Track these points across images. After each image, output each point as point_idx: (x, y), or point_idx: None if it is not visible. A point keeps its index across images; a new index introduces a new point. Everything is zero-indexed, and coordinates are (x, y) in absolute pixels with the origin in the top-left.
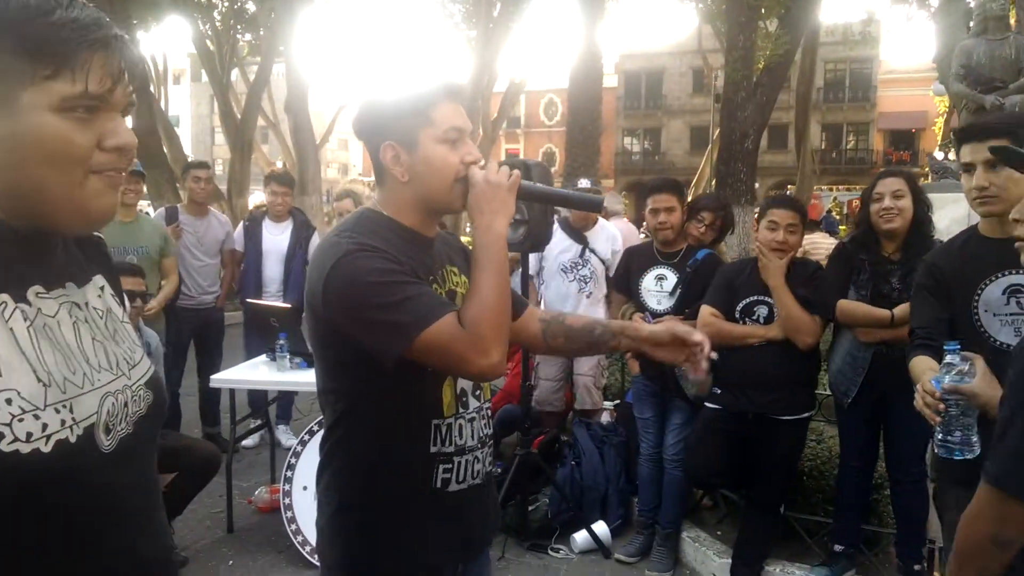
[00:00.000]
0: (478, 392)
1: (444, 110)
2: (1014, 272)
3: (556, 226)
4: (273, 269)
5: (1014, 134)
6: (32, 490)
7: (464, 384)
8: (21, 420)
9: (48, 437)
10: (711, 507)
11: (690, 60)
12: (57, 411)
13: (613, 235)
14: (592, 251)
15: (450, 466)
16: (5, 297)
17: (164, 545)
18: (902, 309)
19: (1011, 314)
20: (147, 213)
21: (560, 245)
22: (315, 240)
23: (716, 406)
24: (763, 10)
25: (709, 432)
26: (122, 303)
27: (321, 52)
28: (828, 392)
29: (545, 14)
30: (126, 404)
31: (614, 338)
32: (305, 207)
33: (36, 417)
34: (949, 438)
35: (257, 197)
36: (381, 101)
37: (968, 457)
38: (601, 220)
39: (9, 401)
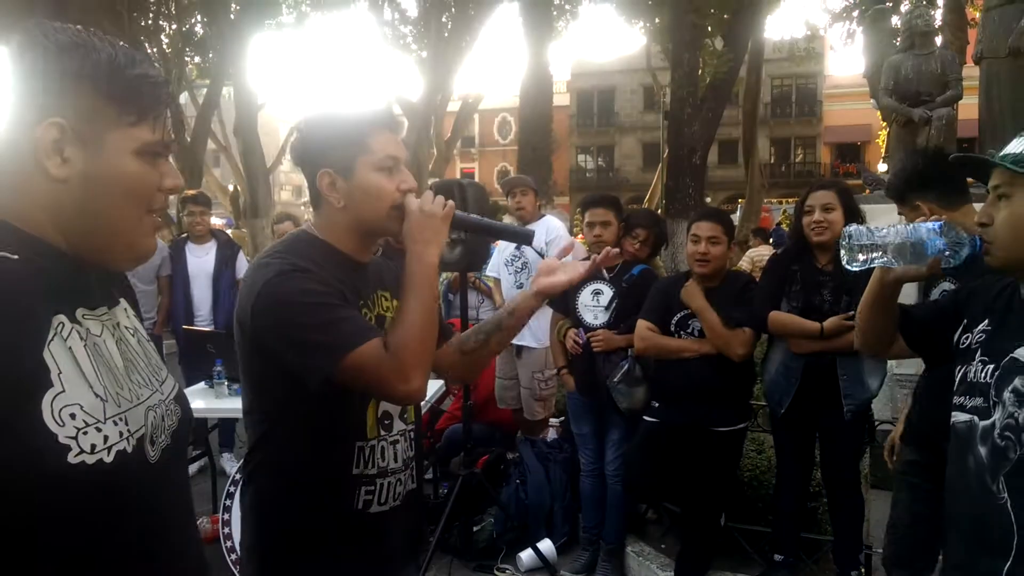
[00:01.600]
0: (404, 415)
1: (381, 139)
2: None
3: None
4: (202, 292)
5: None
6: (95, 499)
7: (388, 407)
8: (86, 433)
9: (110, 448)
10: (655, 520)
11: (640, 78)
12: (115, 423)
13: (548, 227)
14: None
15: (372, 488)
16: (62, 318)
17: (200, 550)
18: (832, 322)
19: None
20: None
21: (500, 242)
22: (241, 259)
23: (652, 419)
24: (709, 28)
25: (647, 445)
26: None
27: (272, 74)
28: (764, 403)
29: (496, 33)
30: (163, 417)
31: (510, 302)
32: (255, 230)
33: (98, 430)
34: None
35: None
36: (318, 128)
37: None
38: (547, 215)
39: (73, 415)
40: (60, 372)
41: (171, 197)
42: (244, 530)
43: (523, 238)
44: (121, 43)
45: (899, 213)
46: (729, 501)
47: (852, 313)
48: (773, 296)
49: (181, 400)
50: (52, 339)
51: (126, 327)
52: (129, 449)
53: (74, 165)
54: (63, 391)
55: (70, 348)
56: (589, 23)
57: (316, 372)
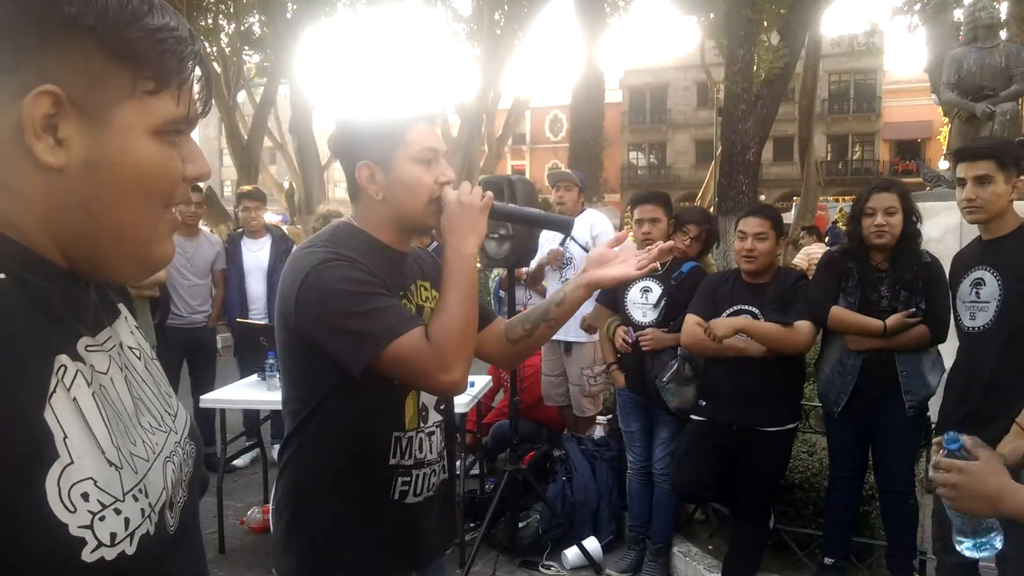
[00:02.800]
0: (439, 406)
1: (418, 131)
2: (979, 268)
3: None
4: (256, 287)
5: (998, 157)
6: None
7: (426, 398)
8: (102, 519)
9: (132, 535)
10: (703, 521)
11: (694, 74)
12: (135, 498)
13: (592, 221)
14: (573, 238)
15: (408, 479)
16: (64, 359)
17: None
18: (896, 319)
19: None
20: None
21: (544, 236)
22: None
23: (701, 418)
24: (764, 23)
25: (695, 445)
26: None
27: (327, 72)
28: (817, 403)
29: (549, 31)
30: (181, 467)
31: (559, 294)
32: (309, 226)
33: (117, 512)
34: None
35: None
36: (357, 121)
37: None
38: (588, 210)
39: (86, 496)
40: (66, 436)
41: (227, 192)
42: (276, 523)
43: (562, 226)
44: None
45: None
46: (779, 503)
47: (914, 310)
48: (831, 292)
49: (194, 434)
50: (54, 392)
51: (131, 348)
52: (152, 530)
53: (72, 148)
54: (71, 463)
55: (75, 400)
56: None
57: (358, 360)
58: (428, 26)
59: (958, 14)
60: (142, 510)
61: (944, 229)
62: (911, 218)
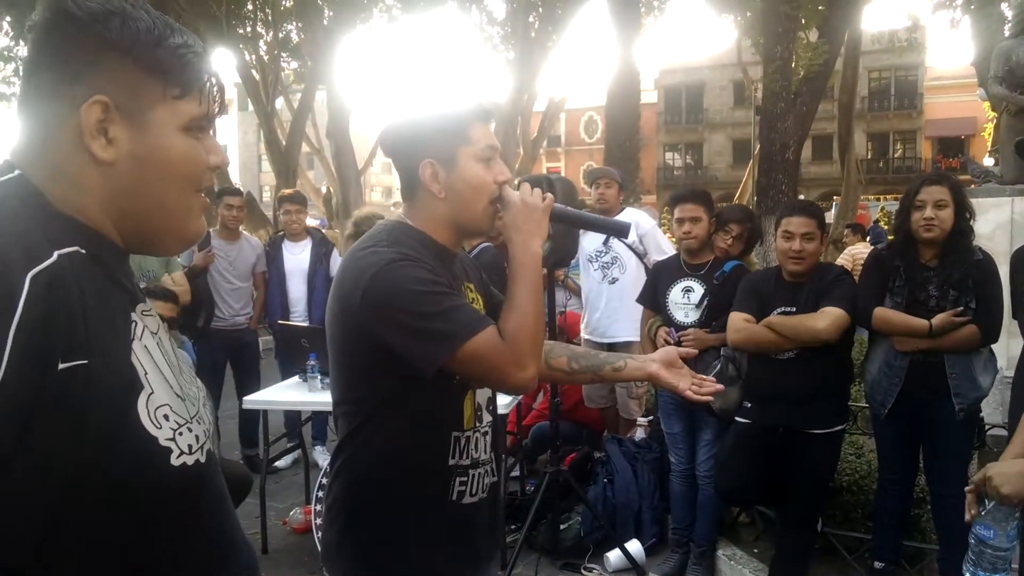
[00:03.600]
0: (491, 407)
1: (479, 129)
2: None
3: None
4: (297, 289)
5: None
6: (191, 499)
7: (480, 398)
8: (181, 434)
9: (202, 448)
10: (748, 523)
11: (731, 73)
12: (198, 423)
13: (637, 219)
14: (620, 239)
15: (466, 479)
16: (135, 315)
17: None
18: (941, 318)
19: None
20: None
21: (585, 236)
22: (335, 256)
23: (746, 420)
24: (802, 20)
25: (740, 447)
26: None
27: (363, 77)
28: (864, 404)
29: (583, 32)
30: (208, 415)
31: (620, 359)
32: (346, 230)
33: (189, 430)
34: None
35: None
36: (418, 119)
37: None
38: (628, 209)
39: (167, 416)
40: (146, 372)
41: (266, 197)
42: (330, 526)
43: (619, 231)
44: (154, 10)
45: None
46: (826, 506)
47: (961, 309)
48: (877, 292)
49: (208, 400)
50: (133, 340)
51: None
52: (213, 447)
53: (120, 146)
54: (152, 392)
55: (146, 347)
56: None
57: (432, 361)
58: (463, 30)
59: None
60: (204, 431)
61: (994, 226)
62: (963, 213)
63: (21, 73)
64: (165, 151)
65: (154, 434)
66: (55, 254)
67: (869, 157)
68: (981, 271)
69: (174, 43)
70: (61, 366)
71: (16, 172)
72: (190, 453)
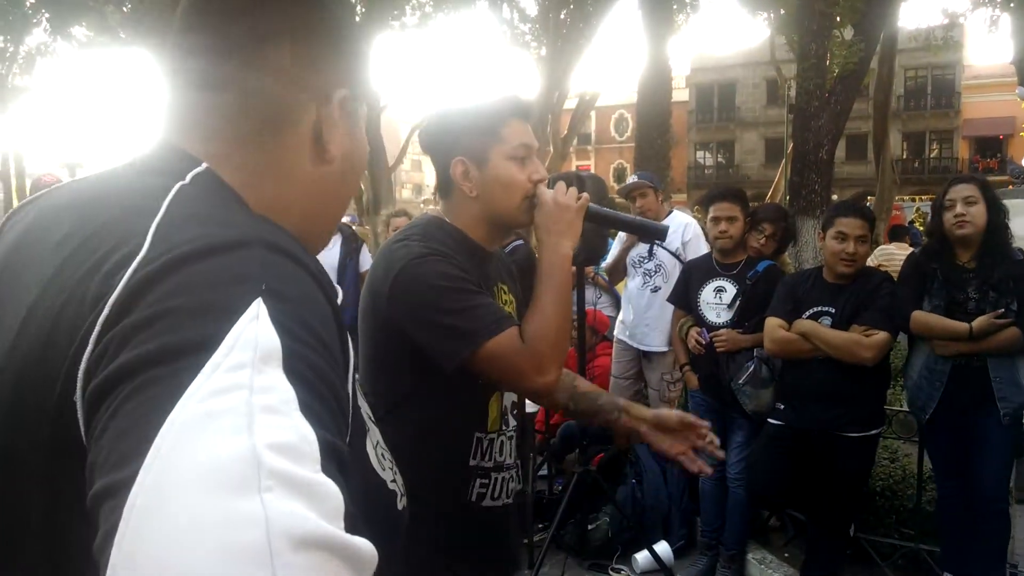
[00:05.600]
0: (516, 411)
1: (513, 127)
2: None
3: None
4: None
5: None
6: (397, 544)
7: (506, 401)
8: (396, 476)
9: (404, 490)
10: (778, 527)
11: (763, 71)
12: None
13: (683, 224)
14: (660, 245)
15: (487, 481)
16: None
17: None
18: (982, 321)
19: None
20: None
21: (629, 240)
22: (364, 252)
23: (779, 422)
24: (837, 18)
25: (772, 449)
26: None
27: (395, 75)
28: (899, 408)
29: (615, 30)
30: None
31: (616, 411)
32: (377, 226)
33: (394, 471)
34: None
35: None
36: (452, 116)
37: None
38: (675, 212)
39: (383, 457)
40: (361, 406)
41: None
42: None
43: (657, 233)
44: None
45: None
46: (860, 511)
47: (1002, 311)
48: (915, 296)
49: None
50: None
51: None
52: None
53: (338, 144)
54: (370, 429)
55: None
56: (710, 16)
57: (453, 357)
58: (494, 27)
59: None
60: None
61: None
62: (996, 211)
63: (207, 42)
64: (364, 153)
65: (383, 476)
66: (338, 287)
67: (905, 157)
68: (1022, 271)
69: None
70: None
71: (204, 165)
72: (404, 494)
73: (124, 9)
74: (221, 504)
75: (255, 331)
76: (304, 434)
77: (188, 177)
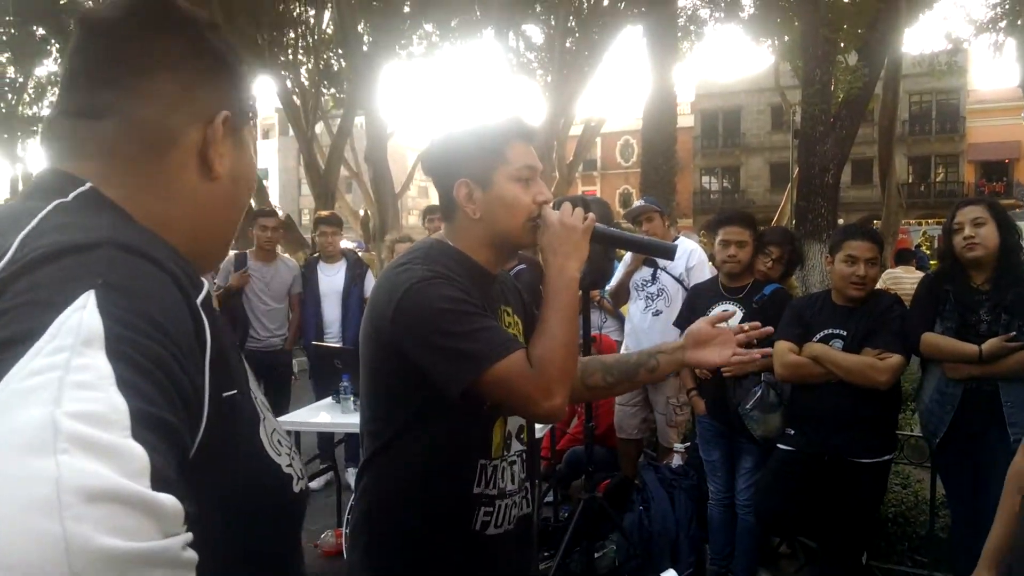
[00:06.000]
0: (521, 435)
1: (517, 149)
2: None
3: None
4: (331, 310)
5: None
6: (301, 525)
7: (511, 425)
8: (293, 460)
9: (304, 475)
10: (789, 554)
11: (768, 97)
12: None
13: (689, 250)
14: (663, 269)
15: (491, 509)
16: None
17: None
18: (992, 344)
19: None
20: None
21: (634, 263)
22: (369, 277)
23: (789, 447)
24: (841, 44)
25: (782, 475)
26: None
27: (400, 103)
28: (911, 433)
29: (620, 57)
30: None
31: (651, 357)
32: (382, 253)
33: (294, 456)
34: None
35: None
36: (455, 138)
37: None
38: (682, 238)
39: (280, 443)
40: (256, 397)
41: (305, 220)
42: (353, 548)
43: (666, 252)
44: None
45: None
46: (872, 538)
47: (1014, 334)
48: (926, 318)
49: None
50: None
51: None
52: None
53: (225, 162)
54: (265, 417)
55: (247, 369)
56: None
57: (458, 381)
58: (500, 55)
59: None
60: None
61: None
62: (1008, 231)
63: (87, 72)
64: (251, 170)
65: (278, 461)
66: (204, 281)
67: (910, 181)
68: None
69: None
70: (224, 395)
71: (87, 184)
72: (302, 478)
73: None
74: (18, 463)
75: (79, 319)
76: (115, 405)
77: (70, 196)
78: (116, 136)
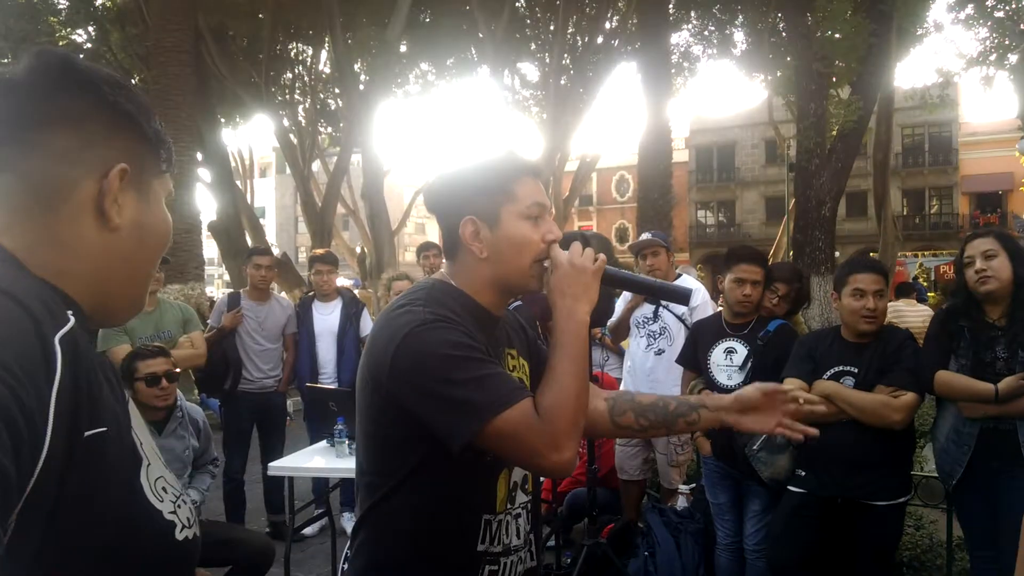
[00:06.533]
0: (527, 485)
1: (526, 185)
2: None
3: None
4: (326, 351)
5: None
6: (190, 573)
7: (516, 476)
8: (179, 507)
9: (193, 522)
10: None
11: (762, 131)
12: (189, 493)
13: (692, 289)
14: (665, 307)
15: (496, 568)
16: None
17: None
18: (1008, 383)
19: None
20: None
21: (634, 300)
22: (366, 316)
23: (801, 490)
24: (834, 78)
25: (795, 519)
26: None
27: (398, 139)
28: (923, 473)
29: (615, 93)
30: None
31: (693, 410)
32: (379, 291)
33: (183, 502)
34: None
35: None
36: (461, 175)
37: None
38: (684, 275)
39: (165, 489)
40: (141, 443)
41: (301, 257)
42: None
43: (679, 297)
44: None
45: None
46: None
47: None
48: (940, 356)
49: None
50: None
51: None
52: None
53: (126, 213)
54: (149, 463)
55: (134, 417)
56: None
57: (461, 434)
58: (496, 93)
59: None
60: (194, 501)
61: None
62: (1020, 262)
63: None
64: (161, 221)
65: (159, 507)
66: (71, 316)
67: (905, 213)
68: None
69: (158, 121)
70: (87, 433)
71: None
72: (189, 527)
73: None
74: None
75: None
76: None
77: None
78: (12, 189)
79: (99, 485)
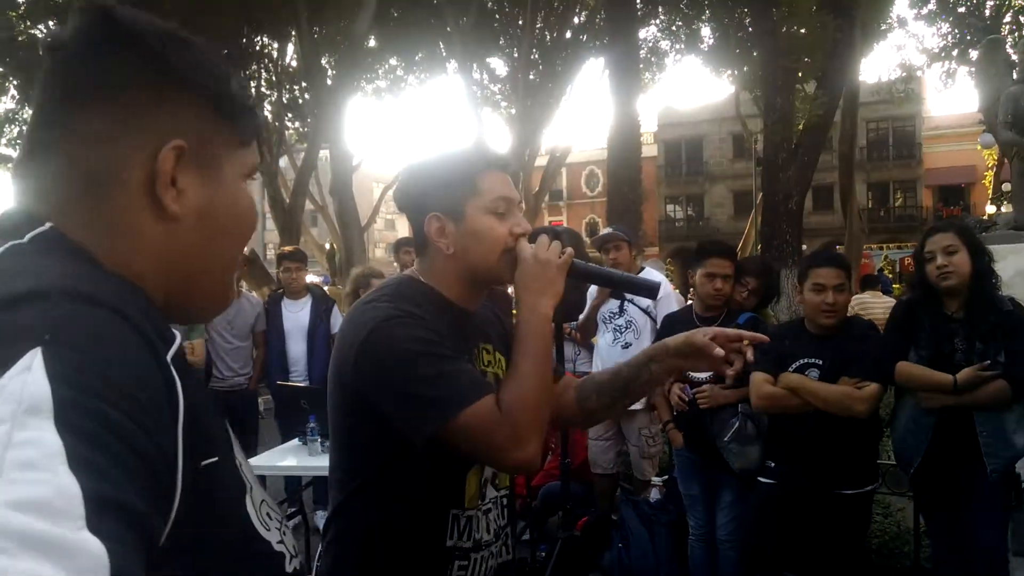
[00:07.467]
0: (497, 480)
1: (491, 180)
2: None
3: None
4: (296, 348)
5: None
6: None
7: (487, 472)
8: (285, 535)
9: (298, 548)
10: None
11: (729, 125)
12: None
13: (658, 283)
14: (631, 301)
15: (466, 563)
16: None
17: None
18: (967, 373)
19: None
20: None
21: (601, 296)
22: (336, 313)
23: (770, 481)
24: (799, 73)
25: (765, 510)
26: None
27: (365, 135)
28: (890, 461)
29: (583, 87)
30: None
31: (644, 367)
32: (347, 288)
33: (287, 528)
34: None
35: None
36: (425, 171)
37: None
38: (647, 268)
39: (270, 516)
40: (241, 464)
41: (269, 255)
42: None
43: (646, 290)
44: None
45: None
46: (857, 571)
47: (988, 363)
48: (900, 347)
49: None
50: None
51: None
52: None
53: (189, 198)
54: (251, 487)
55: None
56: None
57: (423, 429)
58: (464, 88)
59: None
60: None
61: (1013, 271)
62: (980, 257)
63: (39, 107)
64: (235, 205)
65: (267, 537)
66: (176, 333)
67: (870, 206)
68: (1011, 322)
69: (239, 82)
70: (203, 464)
71: (47, 224)
72: (295, 555)
73: None
74: None
75: (22, 383)
76: (63, 490)
77: (27, 237)
78: (64, 176)
79: (214, 521)
